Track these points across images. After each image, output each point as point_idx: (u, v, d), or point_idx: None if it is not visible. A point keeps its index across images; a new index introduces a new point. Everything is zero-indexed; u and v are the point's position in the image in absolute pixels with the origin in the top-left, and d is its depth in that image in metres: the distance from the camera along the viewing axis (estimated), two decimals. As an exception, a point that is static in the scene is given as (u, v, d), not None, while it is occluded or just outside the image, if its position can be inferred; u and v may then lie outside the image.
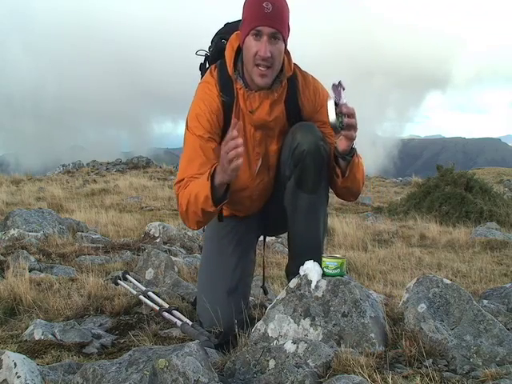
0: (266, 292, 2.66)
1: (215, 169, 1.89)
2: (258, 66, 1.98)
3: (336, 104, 1.89)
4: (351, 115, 1.90)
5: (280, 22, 1.96)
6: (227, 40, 2.16)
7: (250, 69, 2.01)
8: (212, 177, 1.88)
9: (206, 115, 2.07)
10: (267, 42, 1.95)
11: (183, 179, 2.04)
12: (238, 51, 2.09)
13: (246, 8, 2.01)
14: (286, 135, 2.13)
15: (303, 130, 2.07)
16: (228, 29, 2.25)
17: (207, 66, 2.30)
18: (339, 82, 1.94)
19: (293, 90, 2.12)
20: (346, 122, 1.89)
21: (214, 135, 2.08)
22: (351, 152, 2.01)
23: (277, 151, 2.17)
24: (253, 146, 2.14)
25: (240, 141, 1.74)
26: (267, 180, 2.23)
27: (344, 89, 1.94)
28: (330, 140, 2.11)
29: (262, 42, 1.95)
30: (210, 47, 2.30)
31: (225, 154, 1.77)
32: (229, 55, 2.09)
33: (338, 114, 1.88)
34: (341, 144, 1.98)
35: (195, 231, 5.69)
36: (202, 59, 2.31)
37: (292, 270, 2.19)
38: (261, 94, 2.05)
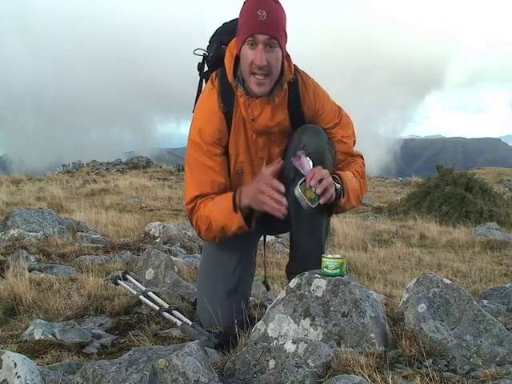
0: (268, 288, 2.67)
1: (239, 197, 2.00)
2: (254, 74, 1.96)
3: (304, 180, 1.90)
4: (320, 181, 1.88)
5: (275, 29, 1.94)
6: (227, 45, 2.14)
7: (246, 78, 1.99)
8: (238, 206, 2.00)
9: (208, 131, 2.07)
10: (263, 50, 1.92)
11: (195, 201, 2.10)
12: (238, 58, 2.06)
13: (241, 16, 1.99)
14: (291, 137, 2.12)
15: (309, 133, 2.06)
16: (226, 29, 2.23)
17: (205, 68, 2.29)
18: (297, 154, 1.94)
19: (294, 94, 2.11)
20: (320, 192, 1.88)
21: (219, 148, 2.09)
22: (336, 197, 2.00)
23: (280, 153, 2.16)
24: (255, 151, 2.14)
25: (284, 201, 1.89)
26: None
27: (306, 155, 1.94)
28: (333, 143, 2.14)
29: (257, 51, 1.92)
30: (208, 47, 2.28)
31: (266, 197, 1.90)
32: (228, 63, 2.06)
33: (308, 189, 1.89)
34: (322, 202, 1.94)
35: (195, 231, 5.69)
36: (200, 58, 2.30)
37: (293, 270, 2.19)
38: (262, 100, 2.03)
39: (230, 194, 2.04)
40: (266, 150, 2.15)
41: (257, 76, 1.96)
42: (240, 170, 2.15)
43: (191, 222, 2.18)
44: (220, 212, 2.03)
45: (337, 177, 2.05)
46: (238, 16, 2.11)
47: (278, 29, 1.95)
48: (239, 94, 2.04)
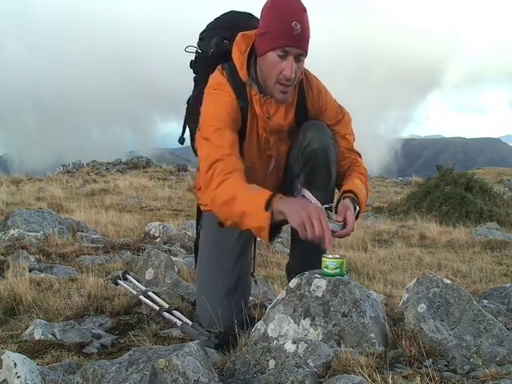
0: (255, 281, 2.66)
1: (276, 200, 1.76)
2: (279, 83, 1.95)
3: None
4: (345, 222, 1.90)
5: (307, 43, 1.93)
6: (229, 40, 2.12)
7: (271, 84, 1.98)
8: (270, 206, 1.75)
9: (226, 115, 1.97)
10: (293, 62, 1.91)
11: (215, 165, 1.88)
12: (249, 55, 2.04)
13: (272, 22, 1.91)
14: (295, 134, 2.14)
15: (314, 129, 2.09)
16: (220, 24, 2.21)
17: (201, 64, 2.23)
18: (299, 187, 2.01)
19: (301, 92, 2.13)
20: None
21: (234, 129, 1.99)
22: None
23: (286, 151, 2.19)
24: (264, 149, 2.14)
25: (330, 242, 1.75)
26: (276, 181, 2.25)
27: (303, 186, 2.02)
28: (336, 139, 2.16)
29: (287, 62, 1.90)
30: (200, 43, 2.24)
31: (310, 221, 1.70)
32: (239, 60, 2.03)
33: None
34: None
35: (195, 231, 5.68)
36: (191, 56, 2.25)
37: (294, 269, 2.19)
38: None
39: (267, 191, 1.82)
40: (274, 149, 2.16)
41: (282, 85, 1.95)
42: (249, 166, 2.13)
43: (206, 189, 1.93)
44: (250, 197, 1.79)
45: (354, 197, 2.03)
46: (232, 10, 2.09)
47: (308, 41, 1.93)
48: (253, 93, 2.04)
